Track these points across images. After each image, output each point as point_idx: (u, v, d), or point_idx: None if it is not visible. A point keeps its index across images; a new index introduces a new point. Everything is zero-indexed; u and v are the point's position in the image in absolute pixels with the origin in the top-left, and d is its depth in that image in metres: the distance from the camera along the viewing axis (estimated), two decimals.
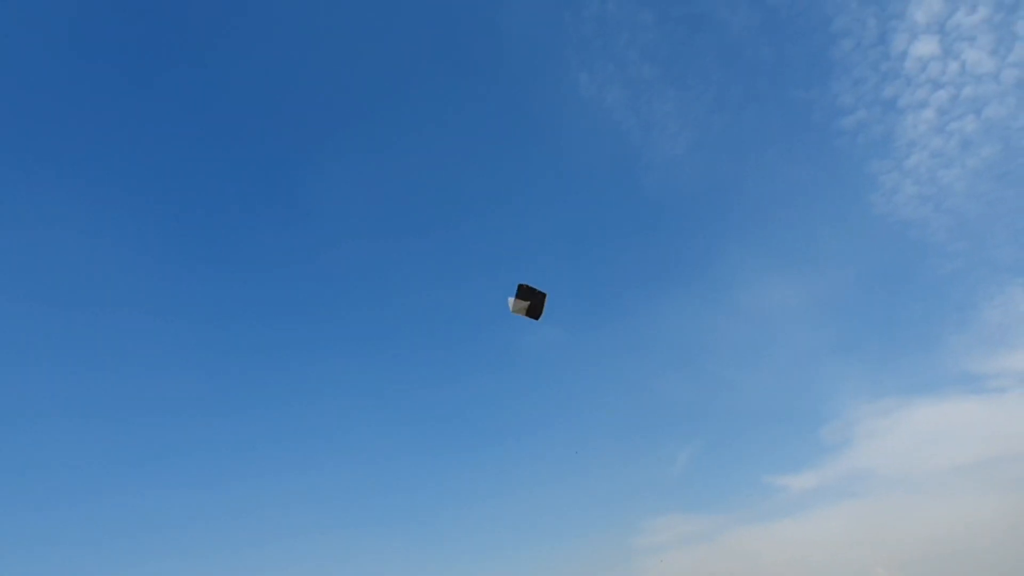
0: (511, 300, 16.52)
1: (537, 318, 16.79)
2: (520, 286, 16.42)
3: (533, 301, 16.35)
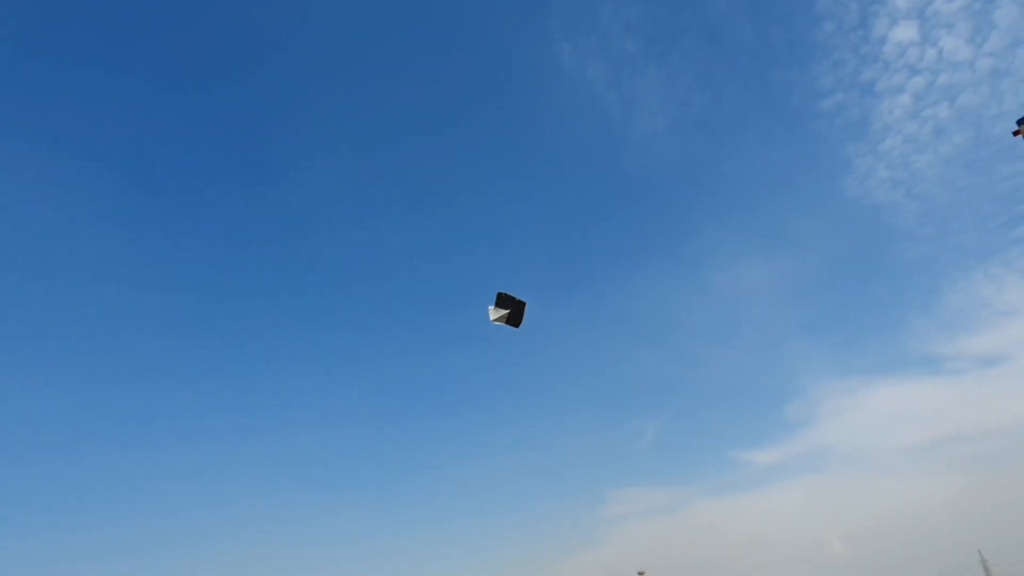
0: (491, 309, 16.39)
1: (517, 326, 16.63)
2: (499, 295, 16.32)
3: (513, 309, 16.21)
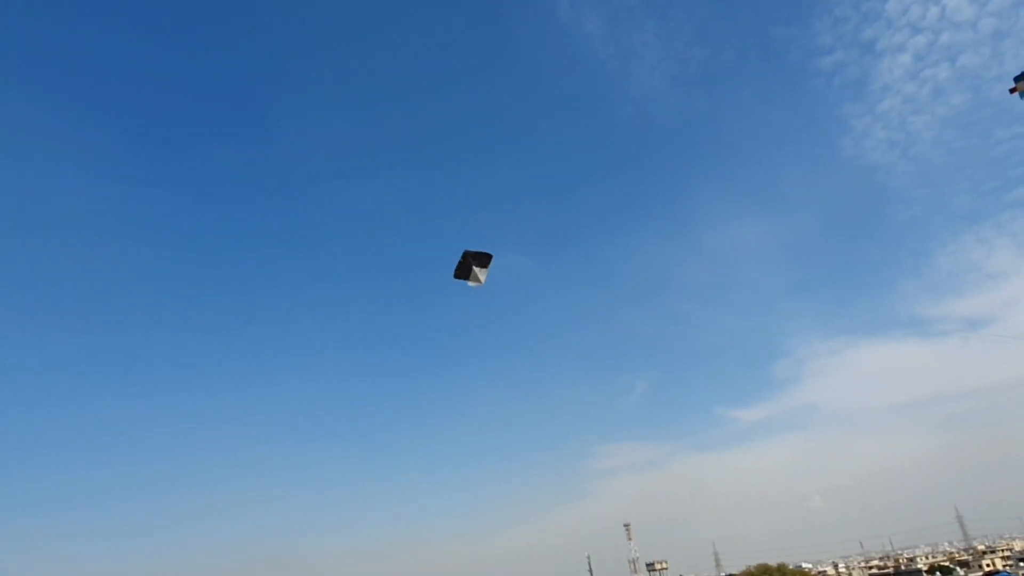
0: (473, 273, 16.21)
1: (483, 269, 16.46)
2: (462, 261, 16.05)
3: (479, 263, 16.06)
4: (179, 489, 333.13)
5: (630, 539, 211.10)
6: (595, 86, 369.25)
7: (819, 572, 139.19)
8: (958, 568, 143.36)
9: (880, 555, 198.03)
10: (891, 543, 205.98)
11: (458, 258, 16.53)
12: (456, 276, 16.59)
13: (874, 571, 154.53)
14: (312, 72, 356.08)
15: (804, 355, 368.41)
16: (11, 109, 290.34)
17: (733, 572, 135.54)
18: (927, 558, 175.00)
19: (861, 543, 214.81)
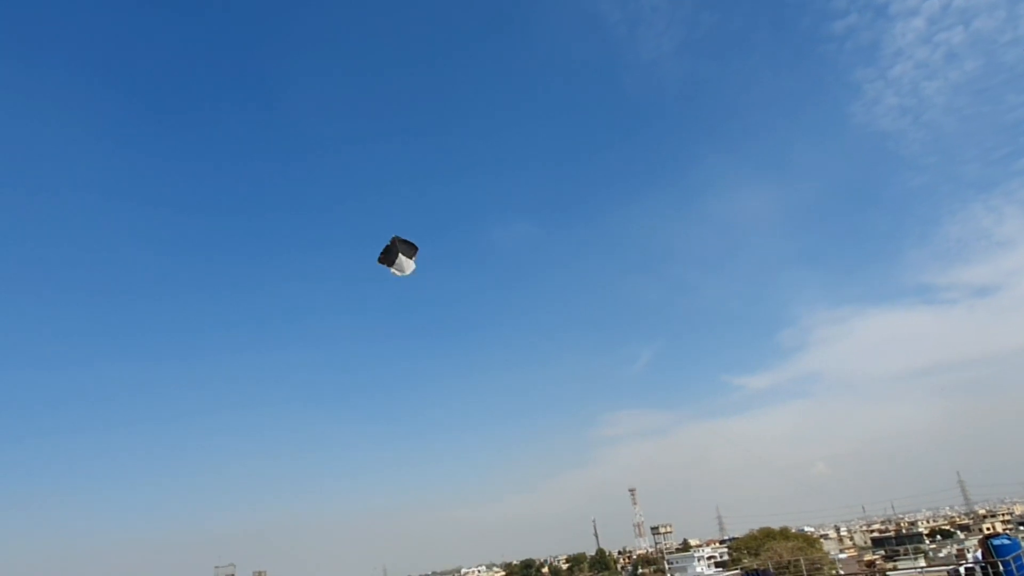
0: (399, 262, 15.61)
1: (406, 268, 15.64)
2: (389, 248, 15.27)
3: (406, 252, 15.28)
4: (187, 454, 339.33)
5: (635, 504, 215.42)
6: (602, 52, 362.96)
7: (821, 536, 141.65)
8: (958, 531, 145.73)
9: (882, 519, 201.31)
10: (893, 507, 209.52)
11: (411, 242, 15.81)
12: (379, 262, 15.74)
13: (875, 534, 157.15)
14: (317, 38, 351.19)
15: (810, 323, 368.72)
16: (15, 74, 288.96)
17: (736, 535, 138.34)
18: (928, 522, 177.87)
19: (863, 507, 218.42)
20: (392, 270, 15.14)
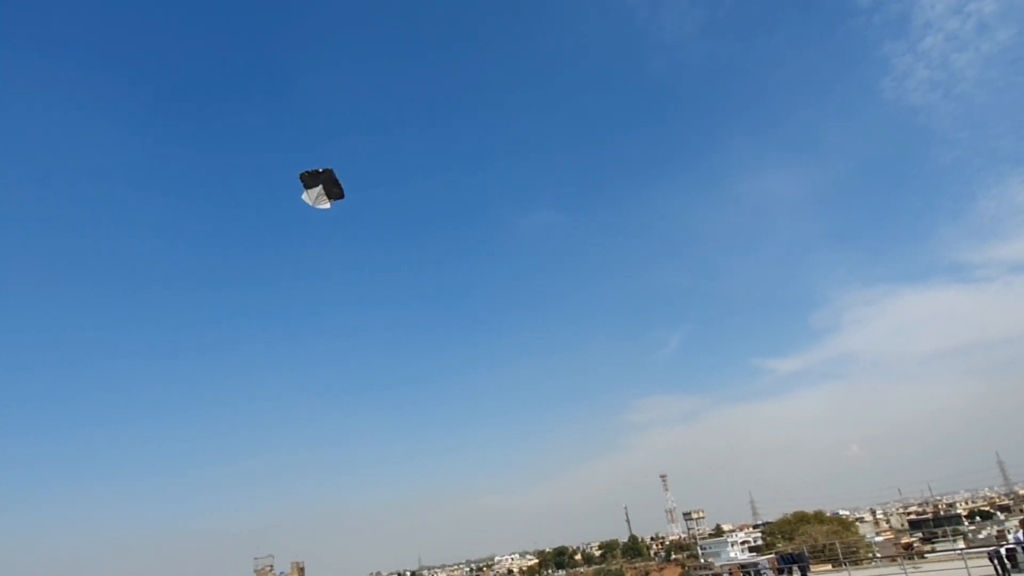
0: (305, 195, 14.85)
1: (340, 197, 14.96)
2: (304, 176, 14.17)
3: (324, 183, 14.22)
4: (227, 447, 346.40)
5: (666, 490, 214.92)
6: (624, 35, 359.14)
7: (856, 519, 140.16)
8: (998, 512, 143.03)
9: (919, 501, 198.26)
10: (930, 489, 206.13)
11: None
12: (300, 177, 14.84)
13: (912, 517, 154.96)
14: (334, 26, 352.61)
15: (842, 304, 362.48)
16: (31, 67, 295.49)
17: (769, 520, 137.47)
18: (967, 503, 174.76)
19: (899, 490, 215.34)
20: (304, 195, 14.32)
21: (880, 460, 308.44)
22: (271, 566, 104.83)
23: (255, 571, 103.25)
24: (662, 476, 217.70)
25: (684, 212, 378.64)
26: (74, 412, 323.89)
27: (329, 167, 14.65)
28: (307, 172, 14.41)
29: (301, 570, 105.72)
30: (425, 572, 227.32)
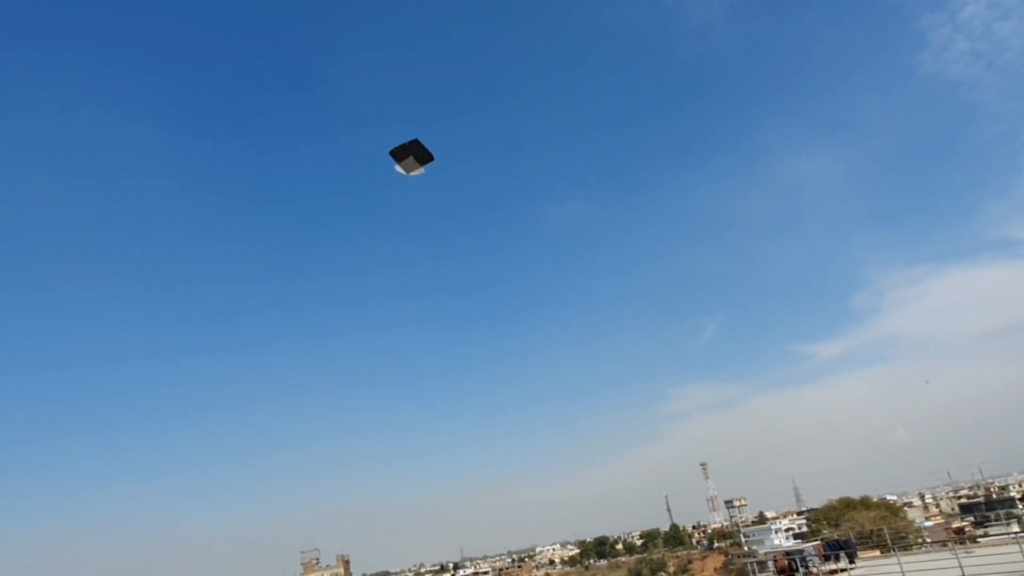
0: (399, 167, 15.24)
1: (427, 161, 15.32)
2: (398, 151, 14.66)
3: (415, 153, 14.80)
4: (261, 444, 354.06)
5: (707, 478, 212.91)
6: (652, 18, 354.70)
7: (905, 504, 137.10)
8: None
9: (969, 485, 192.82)
10: (981, 472, 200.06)
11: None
12: (390, 153, 15.24)
13: (963, 501, 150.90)
14: (358, 14, 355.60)
15: (884, 285, 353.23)
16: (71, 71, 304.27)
17: (814, 507, 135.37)
18: (1020, 486, 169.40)
19: (949, 473, 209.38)
20: (398, 167, 15.05)
21: (928, 444, 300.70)
22: (317, 559, 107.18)
23: (302, 564, 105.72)
24: (702, 464, 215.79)
25: (718, 197, 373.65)
26: (124, 411, 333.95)
27: (415, 138, 15.04)
28: (397, 147, 14.94)
29: (346, 563, 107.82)
30: (467, 563, 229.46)
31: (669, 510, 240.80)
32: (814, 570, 30.16)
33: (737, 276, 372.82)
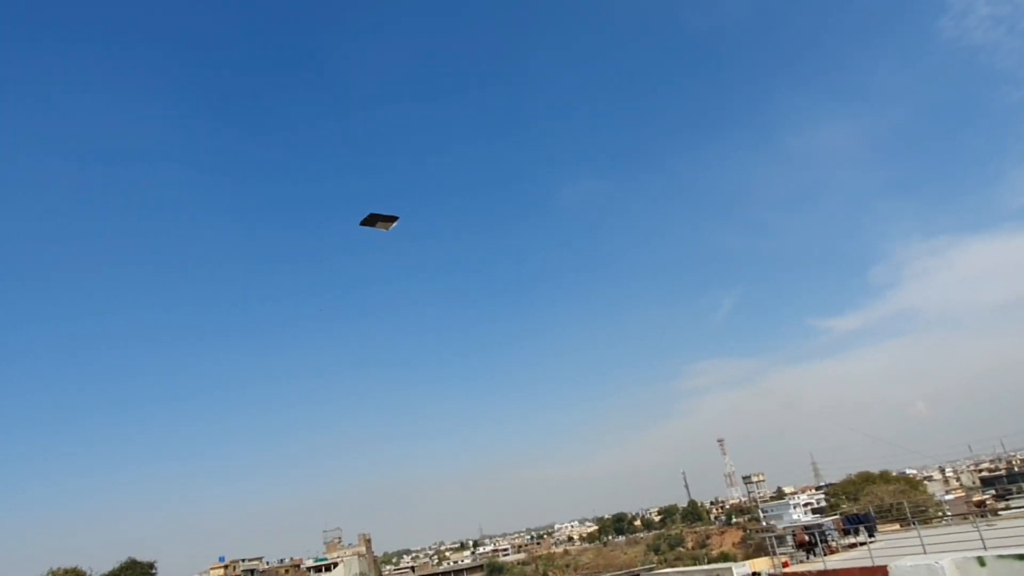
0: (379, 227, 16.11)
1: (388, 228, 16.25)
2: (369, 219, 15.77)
3: (380, 219, 15.80)
4: (282, 424, 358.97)
5: (724, 454, 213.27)
6: None
7: (925, 478, 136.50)
8: None
9: (991, 458, 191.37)
10: (1002, 445, 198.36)
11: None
12: (362, 224, 16.30)
13: (984, 474, 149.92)
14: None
15: (903, 257, 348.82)
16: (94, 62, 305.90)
17: (832, 481, 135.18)
18: None
19: (969, 446, 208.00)
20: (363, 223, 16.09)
21: (948, 417, 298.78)
22: (339, 538, 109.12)
23: (325, 543, 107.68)
24: (719, 440, 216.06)
25: (733, 170, 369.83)
26: (152, 392, 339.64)
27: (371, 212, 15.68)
28: (372, 216, 15.69)
29: (368, 541, 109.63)
30: (487, 541, 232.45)
31: (687, 486, 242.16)
32: (833, 544, 30.10)
33: (754, 250, 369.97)
